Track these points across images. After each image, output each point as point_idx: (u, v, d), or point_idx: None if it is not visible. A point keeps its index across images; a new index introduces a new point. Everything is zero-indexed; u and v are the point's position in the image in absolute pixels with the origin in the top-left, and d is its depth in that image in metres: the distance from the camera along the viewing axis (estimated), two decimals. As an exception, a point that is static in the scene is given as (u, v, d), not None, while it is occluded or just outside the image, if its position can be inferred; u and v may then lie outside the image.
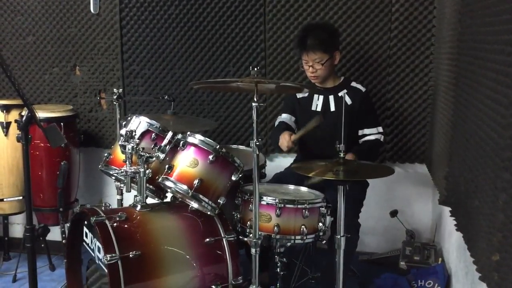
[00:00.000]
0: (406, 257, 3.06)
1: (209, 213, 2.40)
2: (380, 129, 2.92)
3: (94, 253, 2.28)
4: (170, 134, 2.48)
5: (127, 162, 2.36)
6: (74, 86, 3.69)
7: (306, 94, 2.96)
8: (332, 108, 2.90)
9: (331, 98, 2.91)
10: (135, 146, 2.35)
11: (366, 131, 2.90)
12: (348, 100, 2.87)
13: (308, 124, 2.68)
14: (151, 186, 2.54)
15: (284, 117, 3.02)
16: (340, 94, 2.88)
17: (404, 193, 3.42)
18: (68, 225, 2.56)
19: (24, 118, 2.24)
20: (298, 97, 2.99)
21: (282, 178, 2.82)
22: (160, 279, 2.22)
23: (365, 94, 2.93)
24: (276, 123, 3.07)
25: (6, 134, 3.24)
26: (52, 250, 3.39)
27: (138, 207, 2.38)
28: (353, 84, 2.94)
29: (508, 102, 1.38)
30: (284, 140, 2.75)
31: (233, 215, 2.48)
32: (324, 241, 2.48)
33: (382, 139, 2.93)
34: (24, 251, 2.41)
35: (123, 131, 2.43)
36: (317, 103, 2.93)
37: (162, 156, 2.42)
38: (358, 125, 2.90)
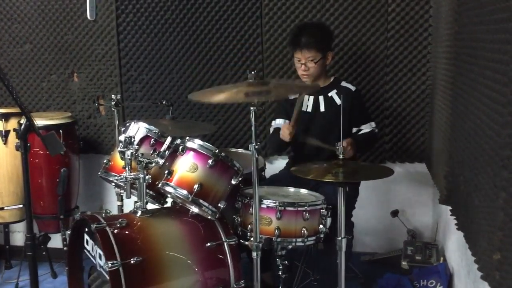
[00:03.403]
0: (408, 257, 3.06)
1: (209, 217, 2.40)
2: (373, 124, 2.93)
3: (95, 260, 2.28)
4: (169, 139, 2.48)
5: (127, 168, 2.36)
6: (72, 93, 3.69)
7: (297, 95, 2.95)
8: (322, 109, 2.90)
9: (321, 98, 2.91)
10: (134, 152, 2.35)
11: (362, 126, 2.91)
12: (338, 100, 2.87)
13: (296, 104, 2.72)
14: (151, 192, 2.54)
15: (279, 122, 3.00)
16: (330, 94, 2.88)
17: (405, 193, 3.42)
18: (69, 232, 2.55)
19: (22, 127, 2.24)
20: (290, 97, 2.98)
21: (276, 180, 2.81)
22: (162, 284, 2.22)
23: (355, 93, 2.93)
24: (271, 130, 3.04)
25: (5, 142, 3.24)
26: (54, 258, 3.38)
27: (139, 213, 2.38)
28: (343, 83, 2.94)
29: (506, 100, 1.38)
30: (284, 128, 2.77)
31: (233, 218, 2.48)
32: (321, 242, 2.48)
33: (376, 131, 2.95)
34: (26, 259, 2.40)
35: (122, 137, 2.43)
36: (308, 104, 2.93)
37: (161, 161, 2.42)
38: (351, 124, 2.89)
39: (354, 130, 2.90)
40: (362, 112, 2.95)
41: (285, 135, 2.79)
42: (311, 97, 2.93)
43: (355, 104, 2.89)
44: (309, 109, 2.92)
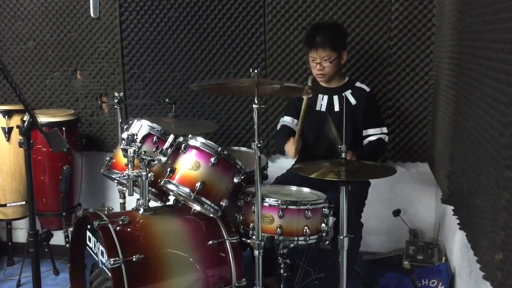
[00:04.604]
0: (409, 256, 3.06)
1: (211, 215, 2.40)
2: (385, 129, 2.93)
3: (97, 257, 2.28)
4: (171, 137, 2.49)
5: (129, 166, 2.37)
6: (75, 90, 3.70)
7: (310, 94, 2.96)
8: (336, 108, 2.91)
9: (336, 98, 2.92)
10: (137, 149, 2.35)
11: (370, 131, 2.90)
12: (352, 100, 2.88)
13: (301, 115, 2.72)
14: (153, 190, 2.55)
15: (286, 120, 3.02)
16: (344, 94, 2.88)
17: (407, 192, 3.42)
18: (71, 229, 2.56)
19: (25, 124, 2.25)
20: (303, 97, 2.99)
21: (284, 180, 2.82)
22: (164, 282, 2.23)
23: (370, 94, 2.94)
24: (279, 126, 3.07)
25: (8, 139, 3.25)
26: (56, 255, 3.40)
27: (141, 211, 2.39)
28: (358, 84, 2.95)
29: (509, 100, 1.38)
30: (289, 146, 2.77)
31: (235, 217, 2.48)
32: (328, 242, 2.48)
33: (385, 139, 2.93)
34: (28, 256, 2.41)
35: (124, 135, 2.43)
36: (322, 103, 2.94)
37: (164, 159, 2.42)
38: (363, 125, 2.90)
39: (364, 133, 2.91)
40: (374, 115, 2.94)
41: (290, 152, 2.79)
42: (325, 97, 2.94)
43: (368, 105, 2.90)
44: (323, 109, 2.93)
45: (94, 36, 3.59)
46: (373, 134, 2.90)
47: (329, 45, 2.78)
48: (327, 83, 2.93)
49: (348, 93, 2.89)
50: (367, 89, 2.94)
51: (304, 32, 3.10)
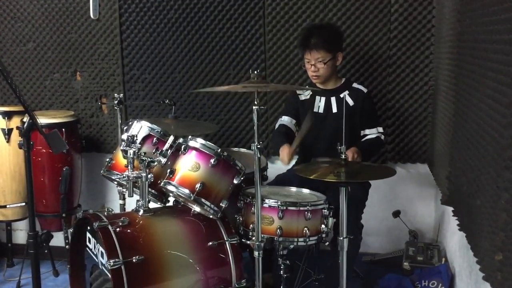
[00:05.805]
0: (409, 257, 3.06)
1: (211, 216, 2.40)
2: (380, 129, 2.93)
3: (97, 258, 2.28)
4: (171, 138, 2.48)
5: (129, 167, 2.36)
6: (75, 91, 3.70)
7: (308, 96, 2.97)
8: (334, 110, 2.91)
9: (333, 99, 2.92)
10: (136, 151, 2.35)
11: (367, 131, 2.91)
12: (350, 101, 2.88)
13: (302, 128, 2.69)
14: (153, 191, 2.56)
15: (285, 119, 3.02)
16: (341, 95, 2.88)
17: (407, 194, 3.42)
18: (71, 230, 2.56)
19: (25, 125, 2.25)
20: (301, 99, 2.99)
21: (284, 179, 2.82)
22: (164, 283, 2.22)
23: (367, 95, 2.94)
24: (277, 125, 3.07)
25: (8, 140, 3.25)
26: (56, 256, 3.39)
27: (141, 212, 2.39)
28: (355, 85, 2.95)
29: (509, 101, 1.39)
30: (284, 153, 2.73)
31: (235, 218, 2.48)
32: (327, 243, 2.48)
33: (382, 138, 2.94)
34: (28, 257, 2.41)
35: (124, 136, 2.43)
36: (319, 104, 2.94)
37: (163, 160, 2.42)
38: (360, 126, 2.90)
39: (361, 134, 2.91)
40: (371, 115, 2.95)
41: (283, 160, 2.74)
42: (323, 98, 2.93)
43: (365, 106, 2.90)
44: (321, 110, 2.93)
45: (94, 37, 3.59)
46: (369, 134, 2.91)
47: (323, 46, 2.78)
48: (324, 84, 2.93)
49: (345, 94, 2.89)
50: (364, 89, 2.94)
51: (299, 34, 3.10)
